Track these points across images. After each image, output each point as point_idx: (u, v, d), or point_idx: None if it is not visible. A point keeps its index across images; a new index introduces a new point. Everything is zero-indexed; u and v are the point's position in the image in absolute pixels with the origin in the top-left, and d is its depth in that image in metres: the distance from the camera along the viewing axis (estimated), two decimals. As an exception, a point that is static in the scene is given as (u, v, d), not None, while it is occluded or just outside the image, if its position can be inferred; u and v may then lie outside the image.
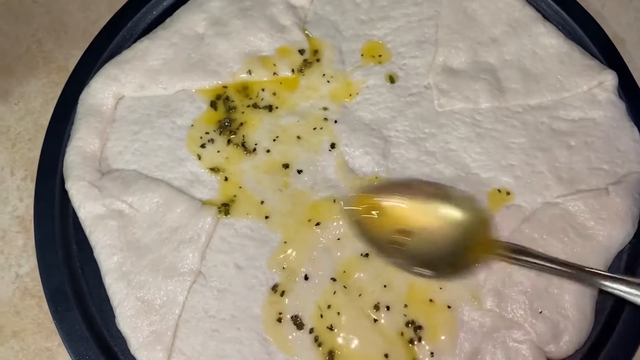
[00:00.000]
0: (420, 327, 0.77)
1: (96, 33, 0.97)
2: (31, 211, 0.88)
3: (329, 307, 0.79)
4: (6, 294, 0.87)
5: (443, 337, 0.77)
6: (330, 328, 0.78)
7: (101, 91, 0.91)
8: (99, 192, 0.84)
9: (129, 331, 0.78)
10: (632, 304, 0.76)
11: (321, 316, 0.79)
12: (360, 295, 0.79)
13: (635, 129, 0.85)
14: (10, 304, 0.86)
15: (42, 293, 0.82)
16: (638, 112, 0.87)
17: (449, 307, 0.78)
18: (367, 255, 0.81)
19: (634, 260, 0.81)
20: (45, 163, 0.89)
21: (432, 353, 0.76)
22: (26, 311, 0.86)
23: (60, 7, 1.04)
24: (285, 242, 0.83)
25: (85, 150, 0.88)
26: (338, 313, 0.78)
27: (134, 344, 0.78)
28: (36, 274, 0.84)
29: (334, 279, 0.80)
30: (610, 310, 0.80)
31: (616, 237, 0.80)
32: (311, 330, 0.78)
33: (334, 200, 0.84)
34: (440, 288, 0.79)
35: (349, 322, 0.78)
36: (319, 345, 0.78)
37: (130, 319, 0.79)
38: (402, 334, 0.78)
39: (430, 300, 0.78)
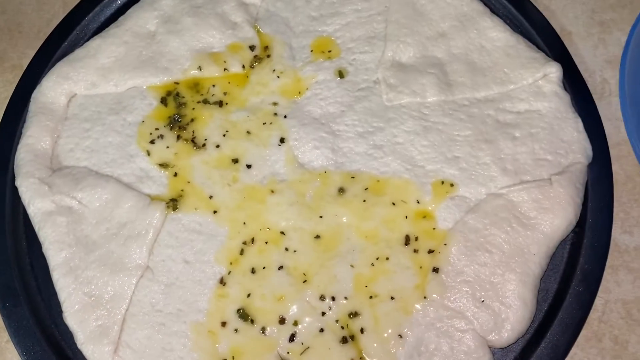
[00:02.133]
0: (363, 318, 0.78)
1: (50, 32, 0.97)
2: (-18, 208, 0.88)
3: (277, 299, 0.80)
4: (-45, 290, 0.87)
5: (388, 330, 0.78)
6: (281, 321, 0.79)
7: (53, 89, 0.91)
8: (49, 188, 0.85)
9: (76, 325, 0.79)
10: (572, 293, 0.77)
11: (268, 307, 0.79)
12: (306, 285, 0.80)
13: (579, 120, 0.86)
14: (-41, 301, 0.86)
15: (-9, 289, 0.82)
16: (582, 104, 0.88)
17: (392, 298, 0.79)
18: (317, 245, 0.82)
19: (577, 249, 0.82)
20: (-3, 161, 0.90)
21: (375, 344, 0.77)
22: (-25, 308, 0.86)
23: (14, 7, 1.05)
24: (232, 236, 0.83)
25: (36, 147, 0.88)
26: (284, 303, 0.79)
27: (81, 338, 0.78)
28: (-14, 270, 0.84)
29: (281, 269, 0.81)
30: (552, 299, 0.80)
31: (558, 227, 0.80)
32: (258, 322, 0.79)
33: (287, 195, 0.85)
34: (389, 282, 0.79)
35: (295, 312, 0.79)
36: (266, 336, 0.78)
37: (77, 314, 0.79)
38: (346, 325, 0.78)
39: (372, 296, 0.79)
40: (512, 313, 0.77)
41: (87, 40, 0.97)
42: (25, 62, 0.96)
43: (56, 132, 0.90)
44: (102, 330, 0.79)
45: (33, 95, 0.92)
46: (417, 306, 0.78)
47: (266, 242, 0.83)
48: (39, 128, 0.89)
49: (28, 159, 0.87)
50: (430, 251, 0.81)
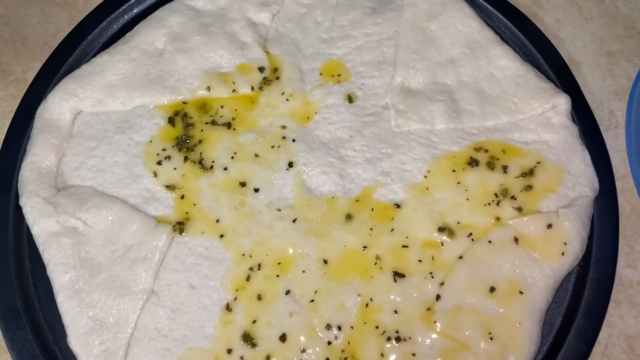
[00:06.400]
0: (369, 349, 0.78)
1: (56, 46, 0.96)
2: (-15, 226, 0.87)
3: (283, 327, 0.79)
4: (-43, 310, 0.86)
5: (392, 358, 0.78)
6: (286, 349, 0.78)
7: (58, 106, 0.90)
8: (54, 208, 0.84)
9: (80, 350, 0.78)
10: (577, 327, 0.78)
11: (274, 334, 0.79)
12: (312, 313, 0.80)
13: (587, 152, 0.87)
14: (-39, 321, 0.85)
15: (-7, 311, 0.81)
16: (590, 136, 0.89)
17: (397, 329, 0.79)
18: (324, 272, 0.82)
19: (582, 282, 0.83)
20: (0, 178, 0.88)
21: (381, 375, 0.78)
22: (-23, 329, 0.85)
23: (19, 19, 1.03)
24: (239, 262, 0.83)
25: (40, 165, 0.87)
26: (290, 331, 0.79)
27: (85, 363, 0.78)
28: (-12, 291, 0.83)
29: (287, 295, 0.81)
30: (556, 332, 0.81)
31: (565, 261, 0.81)
32: (263, 349, 0.78)
33: (294, 220, 0.84)
34: (395, 312, 0.80)
35: (301, 341, 0.79)
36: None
37: (81, 338, 0.78)
38: (352, 356, 0.78)
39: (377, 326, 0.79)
40: (518, 346, 0.78)
41: (94, 56, 0.95)
42: (30, 76, 0.95)
43: (61, 150, 0.89)
44: (107, 355, 0.78)
45: (38, 111, 0.90)
46: (424, 337, 0.79)
47: (273, 269, 0.82)
48: (44, 146, 0.88)
49: (32, 177, 0.86)
50: (438, 281, 0.81)
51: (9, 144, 0.90)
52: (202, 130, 0.90)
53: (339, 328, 0.79)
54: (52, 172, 0.88)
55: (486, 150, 0.88)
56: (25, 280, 0.84)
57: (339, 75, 0.94)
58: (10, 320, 0.81)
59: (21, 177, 0.86)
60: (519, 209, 0.84)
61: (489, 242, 0.82)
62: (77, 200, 0.85)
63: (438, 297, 0.80)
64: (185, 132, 0.90)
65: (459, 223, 0.84)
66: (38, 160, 0.87)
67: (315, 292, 0.81)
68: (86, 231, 0.83)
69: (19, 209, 0.85)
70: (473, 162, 0.87)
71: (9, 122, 0.91)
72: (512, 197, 0.85)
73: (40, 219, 0.83)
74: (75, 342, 0.79)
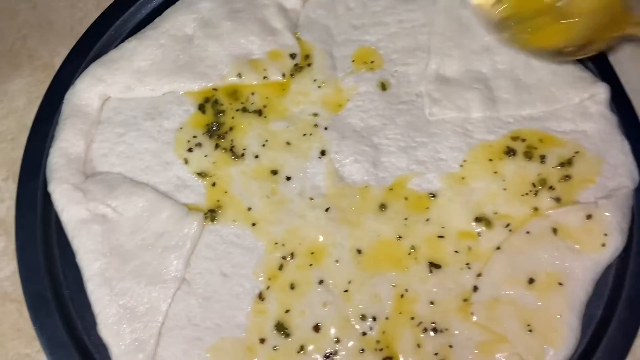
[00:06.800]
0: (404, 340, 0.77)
1: (83, 30, 0.95)
2: (12, 213, 0.85)
3: (315, 315, 0.78)
4: (-16, 298, 0.85)
5: (431, 352, 0.76)
6: (320, 340, 0.77)
7: (87, 91, 0.89)
8: (83, 195, 0.82)
9: (111, 339, 0.77)
10: (617, 319, 0.76)
11: (307, 324, 0.78)
12: (346, 303, 0.78)
13: (626, 142, 0.85)
14: (-11, 309, 0.84)
15: (22, 298, 0.80)
16: (629, 126, 0.87)
17: (433, 319, 0.77)
18: (358, 262, 0.80)
19: (622, 275, 0.81)
20: (28, 164, 0.87)
21: (418, 366, 0.76)
22: (5, 316, 0.83)
23: (45, 3, 1.02)
24: (271, 250, 0.81)
25: (69, 151, 0.86)
26: (323, 321, 0.78)
27: (116, 352, 0.76)
28: (16, 278, 0.82)
29: (321, 284, 0.79)
30: (596, 325, 0.79)
31: (605, 252, 0.79)
32: (297, 339, 0.77)
33: (327, 209, 0.83)
34: (432, 303, 0.78)
35: (335, 331, 0.77)
36: (304, 354, 0.77)
37: (112, 326, 0.77)
38: (387, 347, 0.77)
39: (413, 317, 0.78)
40: (558, 338, 0.76)
41: (122, 41, 0.94)
42: (57, 61, 0.94)
43: (89, 136, 0.88)
44: (138, 344, 0.76)
45: (66, 96, 0.89)
46: (460, 329, 0.77)
47: (305, 258, 0.81)
48: (72, 131, 0.86)
49: (61, 163, 0.85)
50: (475, 272, 0.79)
51: (37, 129, 0.89)
52: (232, 118, 0.89)
53: (374, 319, 0.78)
54: (80, 158, 0.86)
55: (523, 140, 0.86)
56: (54, 267, 0.83)
57: (372, 62, 0.92)
58: (40, 308, 0.80)
59: (50, 163, 0.85)
60: (557, 200, 0.83)
61: (527, 232, 0.81)
62: (107, 187, 0.83)
63: (475, 289, 0.79)
64: (216, 119, 0.89)
65: (496, 213, 0.82)
66: (67, 146, 0.86)
67: (349, 282, 0.80)
68: (116, 218, 0.82)
69: (47, 195, 0.84)
70: (510, 152, 0.85)
71: (37, 107, 0.90)
72: (550, 187, 0.83)
73: (70, 206, 0.82)
74: (105, 330, 0.77)
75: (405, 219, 0.83)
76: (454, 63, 0.91)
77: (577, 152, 0.85)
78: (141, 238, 0.81)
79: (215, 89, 0.90)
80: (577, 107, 0.88)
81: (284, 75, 0.91)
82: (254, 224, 0.83)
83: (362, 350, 0.77)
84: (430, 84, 0.90)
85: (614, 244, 0.80)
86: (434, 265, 0.80)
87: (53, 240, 0.84)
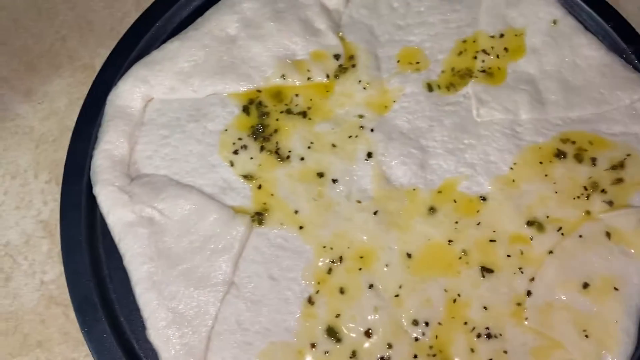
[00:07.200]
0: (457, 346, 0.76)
1: (123, 30, 0.94)
2: (56, 215, 0.85)
3: (365, 319, 0.77)
4: (31, 301, 0.84)
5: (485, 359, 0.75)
6: (372, 345, 0.76)
7: (130, 93, 0.88)
8: (129, 197, 0.81)
9: (161, 344, 0.76)
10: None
11: (358, 329, 0.77)
12: (398, 308, 0.77)
13: (679, 145, 0.84)
14: (35, 312, 0.83)
15: (68, 301, 0.79)
16: (681, 128, 0.86)
17: (487, 325, 0.76)
18: (408, 267, 0.79)
19: (677, 279, 0.80)
20: (72, 166, 0.86)
21: (473, 371, 0.75)
22: (51, 320, 0.83)
23: (84, 3, 1.01)
24: (319, 254, 0.80)
25: (113, 153, 0.85)
26: (375, 326, 0.77)
27: (166, 356, 0.75)
28: (62, 281, 0.81)
29: (371, 287, 0.78)
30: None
31: (660, 256, 0.78)
32: (348, 344, 0.76)
33: (375, 212, 0.82)
34: (485, 308, 0.77)
35: (387, 336, 0.76)
36: (356, 359, 0.76)
37: (161, 331, 0.76)
38: (440, 352, 0.76)
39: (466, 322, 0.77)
40: (615, 344, 0.75)
41: (163, 42, 0.93)
42: (97, 62, 0.93)
43: (133, 137, 0.87)
44: (188, 349, 0.75)
45: (109, 98, 0.88)
46: (514, 334, 0.76)
47: (355, 262, 0.80)
48: (116, 133, 0.85)
49: (106, 165, 0.84)
50: (528, 277, 0.78)
51: (80, 130, 0.88)
52: (277, 120, 0.88)
53: (426, 324, 0.77)
54: (125, 160, 0.86)
55: (573, 142, 0.85)
56: (100, 271, 0.82)
57: (417, 62, 0.91)
58: (87, 312, 0.79)
59: (94, 165, 0.84)
60: (610, 203, 0.81)
61: (580, 236, 0.80)
62: (152, 190, 0.82)
63: (529, 293, 0.78)
64: (261, 120, 0.88)
65: (548, 217, 0.81)
66: (111, 148, 0.85)
67: (400, 287, 0.79)
68: (163, 221, 0.81)
69: (91, 197, 0.83)
70: (560, 154, 0.84)
71: (79, 108, 0.89)
72: (602, 191, 0.82)
73: (115, 208, 0.81)
74: (155, 335, 0.76)
75: (456, 222, 0.81)
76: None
77: (628, 155, 0.84)
78: (189, 241, 0.80)
79: (259, 91, 0.89)
80: (626, 109, 0.87)
81: (328, 76, 0.90)
82: (301, 227, 0.82)
83: (415, 356, 0.76)
84: (477, 85, 0.89)
85: (670, 248, 0.78)
86: (486, 270, 0.79)
87: (98, 243, 0.83)
